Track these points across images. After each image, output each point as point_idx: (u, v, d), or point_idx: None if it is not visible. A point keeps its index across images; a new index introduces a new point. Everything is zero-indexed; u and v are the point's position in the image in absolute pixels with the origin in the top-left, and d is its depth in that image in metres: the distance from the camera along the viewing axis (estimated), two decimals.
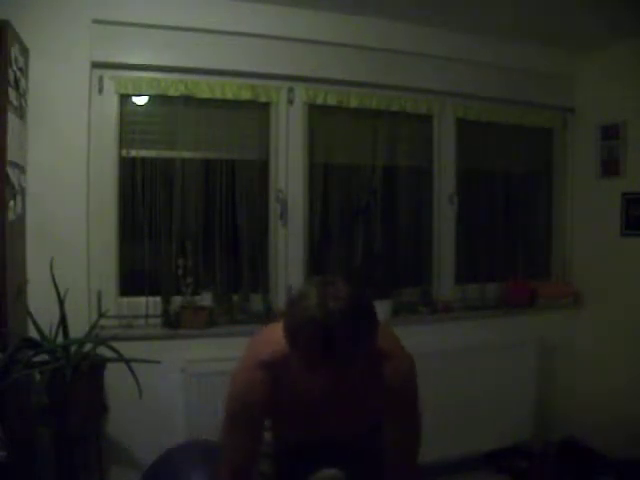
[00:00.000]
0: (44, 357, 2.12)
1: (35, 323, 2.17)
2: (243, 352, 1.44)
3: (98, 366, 2.21)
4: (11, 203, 2.08)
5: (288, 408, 1.40)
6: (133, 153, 2.68)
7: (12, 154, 2.06)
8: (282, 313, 1.20)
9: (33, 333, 2.20)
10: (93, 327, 2.31)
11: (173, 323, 2.62)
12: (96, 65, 2.52)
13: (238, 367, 1.41)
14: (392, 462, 1.44)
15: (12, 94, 2.07)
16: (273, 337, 1.33)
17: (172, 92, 2.65)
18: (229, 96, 2.74)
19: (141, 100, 2.73)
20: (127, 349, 2.22)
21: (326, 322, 1.11)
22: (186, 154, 2.75)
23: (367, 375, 1.30)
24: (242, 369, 1.40)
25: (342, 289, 1.16)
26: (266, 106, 2.88)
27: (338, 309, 1.12)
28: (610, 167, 3.24)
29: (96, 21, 2.46)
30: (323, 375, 1.16)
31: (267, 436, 1.56)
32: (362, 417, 1.47)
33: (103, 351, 2.24)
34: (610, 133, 3.23)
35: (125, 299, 2.68)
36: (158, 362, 2.28)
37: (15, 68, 2.10)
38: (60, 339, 2.18)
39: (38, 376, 2.11)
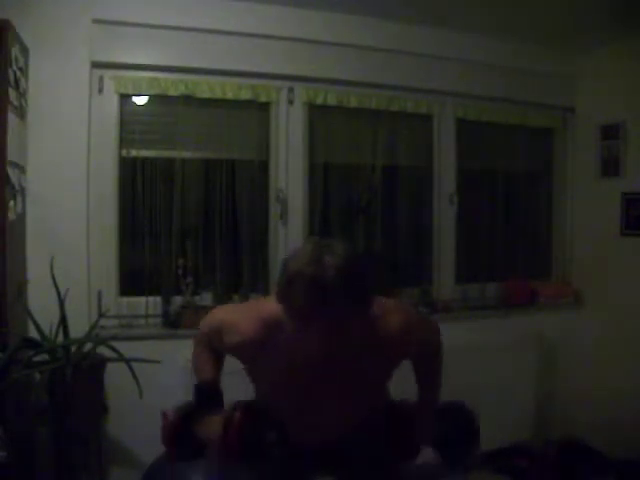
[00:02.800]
0: (44, 357, 2.12)
1: (35, 323, 2.17)
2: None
3: (98, 366, 2.21)
4: (11, 203, 2.08)
5: (280, 375, 1.35)
6: (133, 153, 2.68)
7: (12, 154, 2.06)
8: (281, 268, 1.19)
9: (33, 333, 2.20)
10: (93, 327, 2.31)
11: (173, 323, 2.62)
12: (96, 65, 2.52)
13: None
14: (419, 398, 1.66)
15: (12, 94, 2.07)
16: (265, 304, 1.35)
17: (172, 92, 2.65)
18: (229, 96, 2.74)
19: (141, 100, 2.73)
20: (127, 349, 2.22)
21: (319, 275, 1.08)
22: (186, 154, 2.75)
23: (362, 340, 1.25)
24: (228, 310, 1.53)
25: (338, 247, 1.15)
26: (266, 106, 2.88)
27: (332, 264, 1.09)
28: (610, 167, 3.24)
29: (96, 21, 2.46)
30: (315, 333, 1.12)
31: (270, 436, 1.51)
32: (360, 391, 1.40)
33: (103, 351, 2.24)
34: (610, 133, 3.23)
35: (125, 299, 2.67)
36: (158, 362, 2.27)
37: (15, 68, 2.10)
38: (60, 339, 2.18)
39: (38, 376, 2.11)
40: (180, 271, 2.67)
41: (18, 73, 2.15)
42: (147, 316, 2.67)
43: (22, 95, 2.23)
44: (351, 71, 2.93)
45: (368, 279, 1.18)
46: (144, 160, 2.70)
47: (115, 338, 2.29)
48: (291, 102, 2.89)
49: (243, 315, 1.40)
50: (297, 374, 1.32)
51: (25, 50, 2.26)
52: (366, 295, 1.17)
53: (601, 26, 2.93)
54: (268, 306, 1.30)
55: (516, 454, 3.10)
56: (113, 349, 2.21)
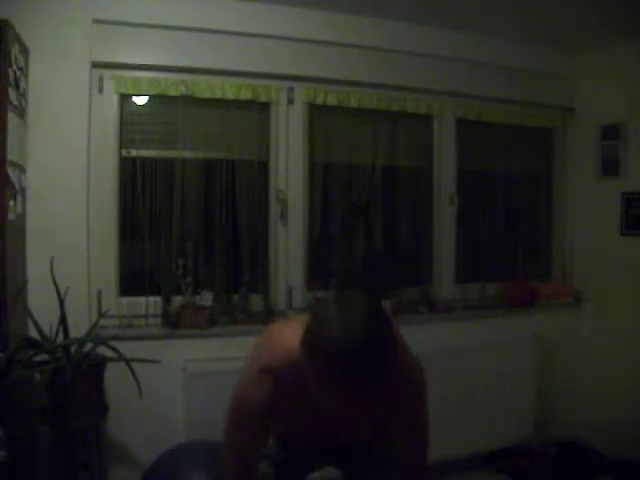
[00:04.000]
0: (44, 357, 2.12)
1: (35, 323, 2.17)
2: (249, 351, 1.44)
3: (98, 366, 2.21)
4: (11, 203, 2.08)
5: (292, 414, 1.39)
6: (133, 153, 2.68)
7: (12, 154, 2.06)
8: (307, 328, 1.14)
9: (33, 333, 2.19)
10: (93, 327, 2.31)
11: (173, 323, 2.62)
12: (96, 65, 2.52)
13: (244, 366, 1.42)
14: (406, 464, 1.52)
15: (12, 94, 2.07)
16: (280, 341, 1.33)
17: (172, 92, 2.65)
18: (229, 96, 2.74)
19: (141, 100, 2.73)
20: (127, 349, 2.22)
21: (350, 348, 1.07)
22: (186, 154, 2.76)
23: (381, 390, 1.20)
24: (247, 369, 1.40)
25: (362, 303, 1.13)
26: (266, 106, 2.88)
27: (361, 336, 1.07)
28: (610, 167, 3.24)
29: (96, 21, 2.47)
30: (340, 392, 1.12)
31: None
32: (370, 426, 1.48)
33: (103, 351, 2.23)
34: (610, 133, 3.23)
35: (125, 299, 2.67)
36: (158, 362, 2.28)
37: (15, 68, 2.10)
38: (60, 339, 2.18)
39: (38, 376, 2.11)
40: (180, 271, 2.67)
41: (18, 73, 2.15)
42: (147, 316, 2.66)
43: (22, 95, 2.23)
44: (351, 71, 2.93)
45: (394, 342, 1.16)
46: (144, 160, 2.70)
47: (115, 338, 2.28)
48: (291, 102, 2.89)
49: (252, 377, 1.37)
50: (309, 415, 1.35)
51: (25, 50, 2.26)
52: (392, 359, 1.14)
53: (601, 26, 2.93)
54: (274, 349, 1.35)
55: (516, 454, 3.11)
56: (113, 349, 2.21)
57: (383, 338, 1.12)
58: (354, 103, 2.97)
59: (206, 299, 2.71)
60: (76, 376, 2.05)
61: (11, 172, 2.07)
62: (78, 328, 2.24)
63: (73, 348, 2.18)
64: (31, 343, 2.14)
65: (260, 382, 1.34)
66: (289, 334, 1.24)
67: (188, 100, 2.70)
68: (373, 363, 1.09)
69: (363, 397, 1.12)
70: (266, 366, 1.34)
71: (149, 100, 2.73)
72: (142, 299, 2.68)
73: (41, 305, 2.22)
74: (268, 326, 1.54)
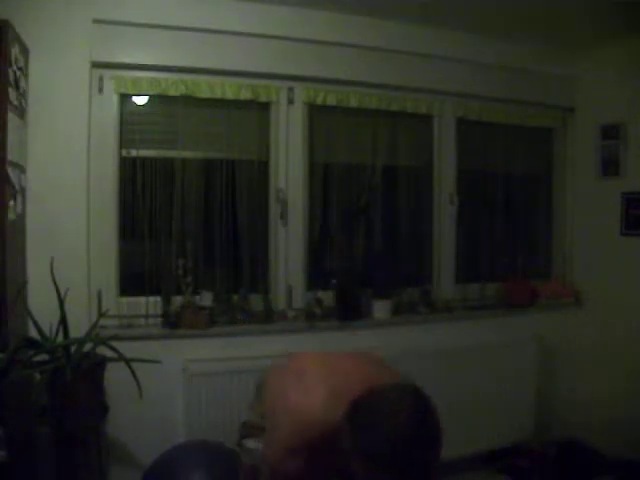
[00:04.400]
0: (44, 357, 2.12)
1: (35, 323, 2.17)
2: (272, 385, 1.44)
3: (98, 366, 2.21)
4: (11, 203, 2.08)
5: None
6: (133, 153, 2.68)
7: (12, 154, 2.06)
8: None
9: (33, 333, 2.19)
10: (93, 327, 2.31)
11: (173, 323, 2.62)
12: (96, 65, 2.52)
13: (270, 441, 1.39)
14: None
15: (12, 94, 2.07)
16: (305, 407, 1.31)
17: (172, 92, 2.65)
18: (229, 96, 2.74)
19: (141, 100, 2.73)
20: (127, 349, 2.22)
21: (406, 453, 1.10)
22: (186, 154, 2.76)
23: None
24: (275, 448, 1.37)
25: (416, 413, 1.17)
26: (266, 106, 2.88)
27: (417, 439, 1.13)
28: (610, 167, 3.24)
29: (96, 21, 2.46)
30: None
31: None
32: None
33: (103, 351, 2.23)
34: (610, 133, 3.23)
35: (125, 299, 2.67)
36: (158, 362, 2.28)
37: (15, 68, 2.10)
38: (60, 339, 2.18)
39: (38, 376, 2.11)
40: (180, 271, 2.67)
41: (18, 73, 2.15)
42: (147, 316, 2.67)
43: (22, 95, 2.23)
44: (351, 71, 2.93)
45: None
46: (144, 160, 2.70)
47: (115, 338, 2.29)
48: (291, 102, 2.89)
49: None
50: None
51: (25, 50, 2.26)
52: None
53: (601, 26, 2.93)
54: (301, 424, 1.32)
55: (516, 454, 3.11)
56: (113, 349, 2.21)
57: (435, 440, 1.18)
58: (354, 103, 2.97)
59: (206, 299, 2.71)
60: (76, 376, 2.05)
61: (11, 172, 2.07)
62: (78, 328, 2.24)
63: (73, 348, 2.18)
64: (31, 343, 2.14)
65: (294, 456, 1.32)
66: (316, 384, 1.26)
67: (188, 100, 2.70)
68: (423, 466, 1.13)
69: None
70: (299, 442, 1.31)
71: (149, 100, 2.73)
72: (142, 299, 2.68)
73: (41, 305, 2.22)
74: (291, 360, 1.47)
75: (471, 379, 2.99)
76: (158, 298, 2.67)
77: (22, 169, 2.25)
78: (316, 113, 2.96)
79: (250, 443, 1.63)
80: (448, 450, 3.10)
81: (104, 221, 2.59)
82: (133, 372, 2.14)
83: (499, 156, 3.38)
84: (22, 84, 2.22)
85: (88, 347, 2.22)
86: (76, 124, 2.47)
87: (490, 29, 3.04)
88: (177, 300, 2.68)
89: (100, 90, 2.56)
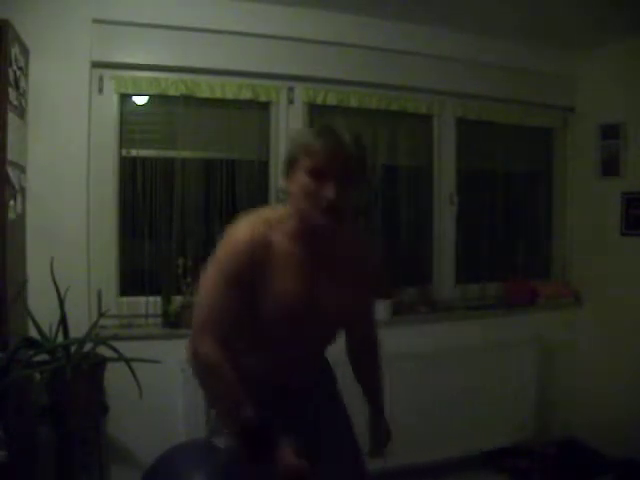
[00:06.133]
0: (44, 357, 2.12)
1: (35, 323, 2.17)
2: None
3: (98, 366, 2.21)
4: (11, 203, 2.08)
5: (277, 271, 1.38)
6: (133, 153, 2.68)
7: (12, 154, 2.06)
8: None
9: (33, 333, 2.20)
10: (93, 327, 2.31)
11: (173, 323, 2.62)
12: (96, 65, 2.52)
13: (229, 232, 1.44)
14: (366, 319, 1.65)
15: (12, 94, 2.07)
16: (263, 213, 1.47)
17: (172, 92, 2.65)
18: (229, 96, 2.74)
19: (141, 100, 2.73)
20: (127, 349, 2.22)
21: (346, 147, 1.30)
22: (186, 154, 2.75)
23: (351, 250, 1.47)
24: (234, 233, 1.43)
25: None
26: (266, 106, 2.88)
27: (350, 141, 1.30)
28: (610, 167, 3.24)
29: (96, 21, 2.46)
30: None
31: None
32: (347, 301, 1.47)
33: (103, 351, 2.23)
34: (610, 133, 3.23)
35: (125, 299, 2.68)
36: (158, 362, 2.27)
37: (15, 68, 2.10)
38: (60, 339, 2.18)
39: (38, 376, 2.11)
40: (180, 271, 2.67)
41: (18, 73, 2.15)
42: (147, 316, 2.67)
43: (22, 95, 2.23)
44: (351, 71, 2.93)
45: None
46: (144, 160, 2.70)
47: (115, 338, 2.29)
48: (291, 102, 2.88)
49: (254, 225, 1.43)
50: (290, 272, 1.39)
51: (25, 50, 2.26)
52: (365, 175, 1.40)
53: (601, 26, 2.93)
54: (268, 212, 1.48)
55: (516, 454, 3.11)
56: (113, 349, 2.21)
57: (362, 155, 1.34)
58: (354, 103, 2.97)
59: None
60: (76, 376, 2.05)
61: (11, 172, 2.07)
62: (78, 328, 2.24)
63: (73, 348, 2.19)
64: (31, 343, 2.14)
65: (247, 240, 1.38)
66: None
67: (188, 100, 2.70)
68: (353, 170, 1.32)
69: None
70: (253, 226, 1.41)
71: (149, 100, 2.73)
72: (142, 299, 2.68)
73: (41, 305, 2.22)
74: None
75: (471, 379, 2.99)
76: (158, 298, 2.67)
77: (22, 169, 2.25)
78: (316, 113, 2.96)
79: (219, 441, 1.55)
80: (448, 450, 3.13)
81: (104, 221, 2.59)
82: (133, 372, 2.14)
83: (499, 156, 3.37)
84: (22, 84, 2.22)
85: (88, 347, 2.22)
86: (76, 124, 2.47)
87: (490, 29, 3.04)
88: (177, 300, 2.68)
89: (100, 90, 2.56)
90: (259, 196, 2.89)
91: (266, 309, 1.38)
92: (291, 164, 1.37)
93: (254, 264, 1.35)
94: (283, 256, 1.38)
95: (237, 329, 1.39)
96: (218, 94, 2.72)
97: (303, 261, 1.39)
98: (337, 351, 1.67)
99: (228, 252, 1.38)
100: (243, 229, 1.40)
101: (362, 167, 1.36)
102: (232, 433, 1.36)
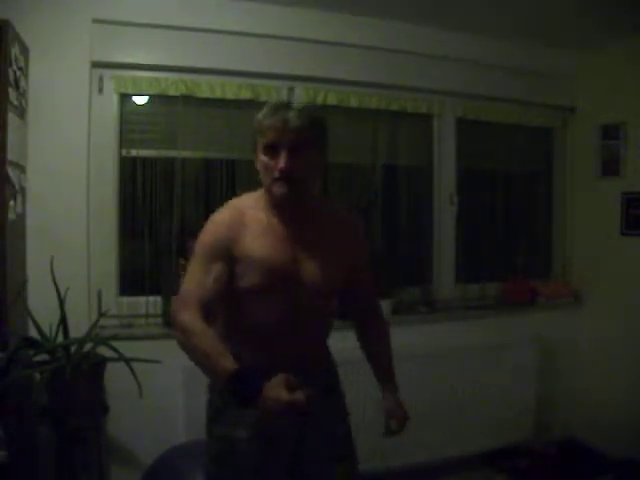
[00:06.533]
0: (44, 357, 2.12)
1: (35, 323, 2.17)
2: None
3: (98, 366, 2.21)
4: (11, 203, 2.08)
5: (256, 238, 1.45)
6: (133, 152, 2.68)
7: (12, 154, 2.06)
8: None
9: (33, 333, 2.20)
10: (93, 327, 2.31)
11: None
12: (96, 65, 2.52)
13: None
14: (362, 290, 1.69)
15: (12, 94, 2.07)
16: (240, 197, 1.55)
17: (172, 92, 2.65)
18: (229, 96, 2.74)
19: (141, 100, 2.73)
20: (127, 349, 2.22)
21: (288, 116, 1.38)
22: (186, 154, 2.75)
23: (329, 222, 1.54)
24: (215, 216, 1.50)
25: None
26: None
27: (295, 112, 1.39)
28: (610, 167, 3.24)
29: (96, 21, 2.46)
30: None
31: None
32: (324, 268, 1.50)
33: (103, 351, 2.23)
34: (610, 133, 3.23)
35: (125, 298, 2.68)
36: (158, 362, 2.27)
37: (15, 68, 2.10)
38: (60, 339, 2.18)
39: (38, 376, 2.11)
40: (180, 271, 2.66)
41: (18, 73, 2.15)
42: (147, 316, 2.66)
43: (22, 95, 2.23)
44: (351, 71, 2.93)
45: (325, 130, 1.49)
46: (144, 160, 2.70)
47: (115, 338, 2.29)
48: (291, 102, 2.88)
49: (229, 211, 1.50)
50: (267, 246, 1.45)
51: (25, 50, 2.26)
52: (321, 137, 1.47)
53: (601, 26, 2.93)
54: (245, 196, 1.56)
55: (516, 454, 3.11)
56: (113, 349, 2.21)
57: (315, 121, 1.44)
58: (354, 103, 2.97)
59: None
60: (76, 376, 2.05)
61: (11, 172, 2.07)
62: (78, 328, 2.24)
63: (73, 348, 2.19)
64: (31, 343, 2.14)
65: (225, 218, 1.47)
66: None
67: (188, 100, 2.70)
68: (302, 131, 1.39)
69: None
70: (231, 205, 1.51)
71: (149, 100, 2.73)
72: (142, 299, 2.68)
73: (41, 305, 2.22)
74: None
75: (471, 379, 2.99)
76: (158, 298, 2.67)
77: (22, 169, 2.25)
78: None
79: (218, 430, 1.53)
80: (448, 450, 3.13)
81: (104, 221, 2.59)
82: (133, 372, 2.14)
83: (499, 156, 3.38)
84: (22, 84, 2.22)
85: (88, 347, 2.22)
86: (76, 124, 2.47)
87: (490, 29, 3.04)
88: None
89: (100, 90, 2.56)
90: None
91: (245, 279, 1.44)
92: (254, 145, 1.47)
93: (230, 238, 1.43)
94: (257, 227, 1.46)
95: (220, 304, 1.45)
96: (218, 94, 2.72)
97: (276, 230, 1.47)
98: (338, 350, 1.67)
99: (207, 231, 1.47)
100: (221, 211, 1.51)
101: (313, 138, 1.43)
102: (220, 387, 1.39)
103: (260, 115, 1.44)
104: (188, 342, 1.35)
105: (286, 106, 1.41)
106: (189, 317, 1.35)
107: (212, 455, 1.55)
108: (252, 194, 1.55)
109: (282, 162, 1.38)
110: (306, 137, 1.40)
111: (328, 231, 1.53)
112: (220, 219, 1.47)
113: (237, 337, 1.49)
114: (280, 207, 1.48)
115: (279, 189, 1.41)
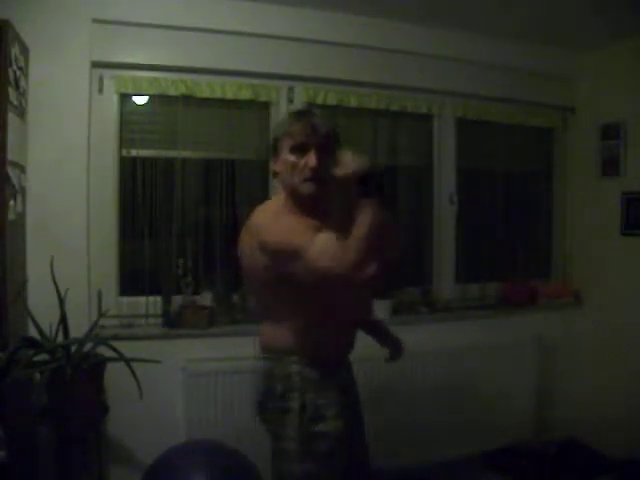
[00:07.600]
0: (44, 357, 2.12)
1: (35, 323, 2.17)
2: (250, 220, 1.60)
3: (98, 366, 2.21)
4: (11, 203, 2.08)
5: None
6: (133, 152, 2.68)
7: (12, 154, 2.06)
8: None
9: (33, 333, 2.19)
10: (93, 327, 2.31)
11: (173, 323, 2.62)
12: (96, 65, 2.52)
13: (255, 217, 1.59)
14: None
15: (12, 94, 2.07)
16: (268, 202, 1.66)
17: (172, 92, 2.65)
18: (229, 96, 2.74)
19: (141, 100, 2.73)
20: (127, 349, 2.22)
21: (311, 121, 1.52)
22: (186, 154, 2.76)
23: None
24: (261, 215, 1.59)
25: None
26: (266, 106, 2.88)
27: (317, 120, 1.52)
28: (610, 167, 3.24)
29: (96, 21, 2.47)
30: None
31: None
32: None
33: (103, 351, 2.23)
34: (610, 133, 3.23)
35: (125, 298, 2.68)
36: (158, 362, 2.27)
37: (15, 68, 2.10)
38: (60, 339, 2.18)
39: (38, 376, 2.11)
40: (180, 271, 2.67)
41: (18, 73, 2.15)
42: (147, 316, 2.66)
43: (22, 95, 2.23)
44: (351, 71, 2.93)
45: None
46: (144, 160, 2.70)
47: (115, 338, 2.29)
48: (291, 102, 2.88)
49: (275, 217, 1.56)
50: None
51: (25, 50, 2.26)
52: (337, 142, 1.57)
53: (601, 26, 2.93)
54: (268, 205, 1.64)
55: (516, 454, 3.11)
56: (113, 349, 2.21)
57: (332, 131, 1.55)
58: (354, 103, 2.97)
59: (206, 299, 2.71)
60: (76, 376, 2.05)
61: (11, 172, 2.07)
62: (78, 328, 2.24)
63: (73, 348, 2.18)
64: (31, 343, 2.14)
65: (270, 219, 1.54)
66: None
67: (188, 100, 2.70)
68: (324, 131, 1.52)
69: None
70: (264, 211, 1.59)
71: (149, 100, 2.73)
72: (142, 299, 2.68)
73: (41, 305, 2.22)
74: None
75: (471, 379, 2.99)
76: (158, 298, 2.67)
77: (22, 169, 2.25)
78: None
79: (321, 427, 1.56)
80: (448, 450, 3.13)
81: (104, 221, 2.59)
82: (133, 372, 2.14)
83: (499, 156, 3.38)
84: (22, 84, 2.22)
85: (88, 347, 2.22)
86: (76, 124, 2.47)
87: (490, 29, 3.04)
88: (177, 300, 2.68)
89: (100, 90, 2.57)
90: (259, 196, 2.88)
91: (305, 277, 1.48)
92: (275, 146, 1.57)
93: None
94: (298, 228, 1.48)
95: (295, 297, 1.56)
96: (218, 94, 2.72)
97: (311, 230, 1.46)
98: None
99: (268, 231, 1.51)
100: (260, 214, 1.60)
101: (335, 142, 1.55)
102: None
103: (285, 120, 1.57)
104: (358, 250, 1.38)
105: (310, 112, 1.58)
106: (333, 255, 1.38)
107: (318, 455, 1.54)
108: (272, 201, 1.65)
109: (312, 161, 1.49)
110: (330, 141, 1.53)
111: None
112: (267, 220, 1.54)
113: (313, 328, 1.59)
114: (307, 207, 1.55)
115: (309, 188, 1.51)
